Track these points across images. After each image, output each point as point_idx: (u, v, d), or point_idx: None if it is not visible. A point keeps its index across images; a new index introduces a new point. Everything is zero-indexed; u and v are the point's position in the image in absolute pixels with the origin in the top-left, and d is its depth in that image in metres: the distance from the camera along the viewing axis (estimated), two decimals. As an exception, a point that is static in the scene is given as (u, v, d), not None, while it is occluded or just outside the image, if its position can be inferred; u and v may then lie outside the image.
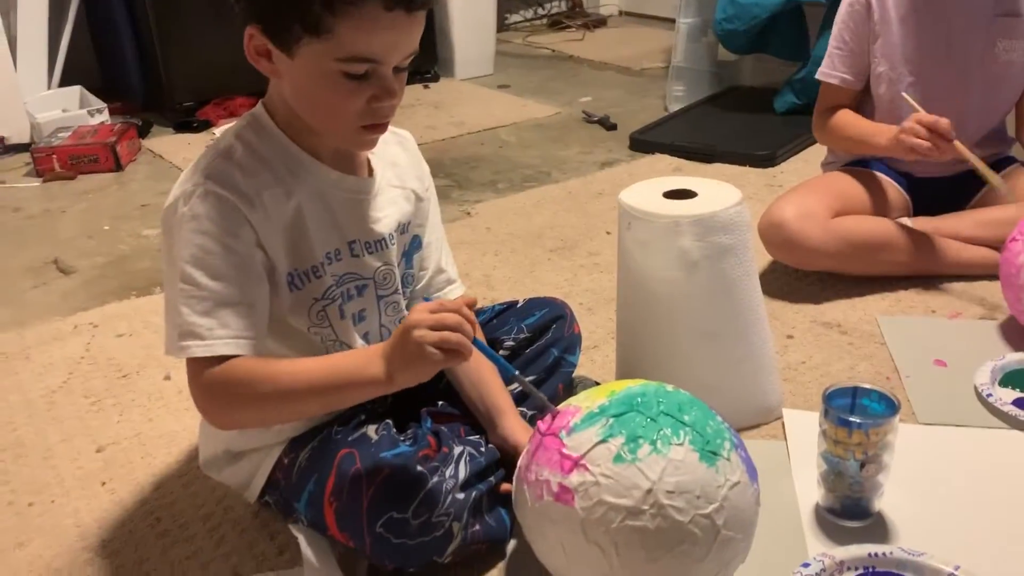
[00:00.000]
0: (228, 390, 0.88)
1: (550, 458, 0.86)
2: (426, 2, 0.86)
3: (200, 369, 0.88)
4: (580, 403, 0.90)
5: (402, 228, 1.05)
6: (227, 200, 0.88)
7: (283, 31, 0.85)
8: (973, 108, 1.62)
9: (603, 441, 0.84)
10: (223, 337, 0.88)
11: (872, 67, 1.64)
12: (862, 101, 1.70)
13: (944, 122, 1.46)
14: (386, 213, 1.02)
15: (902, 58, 1.61)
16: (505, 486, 1.01)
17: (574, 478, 0.84)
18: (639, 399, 0.87)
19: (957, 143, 1.47)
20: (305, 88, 0.90)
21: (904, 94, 1.55)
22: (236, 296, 0.89)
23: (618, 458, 0.82)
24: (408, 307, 1.09)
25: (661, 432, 0.83)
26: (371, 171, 1.02)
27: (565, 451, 0.85)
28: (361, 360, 0.89)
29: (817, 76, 1.69)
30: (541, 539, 0.89)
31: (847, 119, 1.66)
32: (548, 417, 0.91)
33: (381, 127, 0.93)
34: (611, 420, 0.85)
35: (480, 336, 1.12)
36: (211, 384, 0.88)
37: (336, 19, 0.82)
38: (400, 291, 1.05)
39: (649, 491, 0.81)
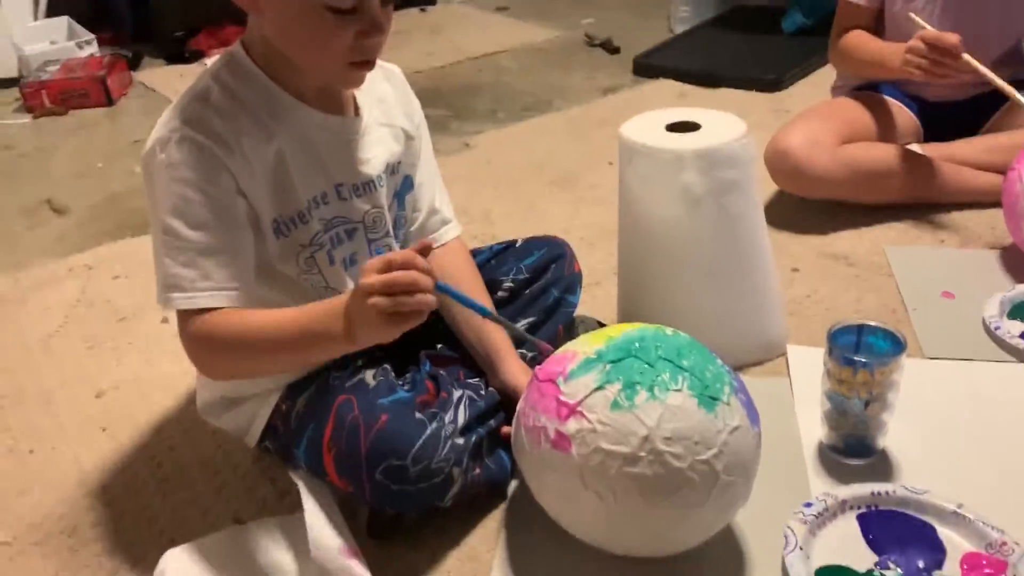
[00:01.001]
0: (210, 342, 0.88)
1: (547, 405, 0.85)
2: None
3: (186, 320, 0.88)
4: (577, 348, 0.88)
5: (392, 168, 1.01)
6: (204, 146, 0.85)
7: None
8: (992, 26, 1.55)
9: (600, 388, 0.82)
10: (205, 289, 0.86)
11: None
12: (879, 21, 1.63)
13: (950, 37, 1.38)
14: (374, 154, 0.99)
15: None
16: (505, 429, 1.00)
17: (571, 425, 0.83)
18: (636, 344, 0.85)
19: (968, 58, 1.39)
20: (289, 25, 0.86)
21: (911, 14, 1.48)
22: (218, 244, 0.86)
23: (615, 405, 0.81)
24: (404, 248, 1.07)
25: (659, 378, 0.82)
26: (357, 110, 0.98)
27: (562, 398, 0.84)
28: (326, 318, 0.85)
29: None
30: (540, 484, 0.88)
31: (859, 40, 1.59)
32: (546, 361, 0.89)
33: (369, 64, 0.89)
34: (608, 366, 0.83)
35: (474, 276, 1.09)
36: (195, 336, 0.87)
37: None
38: (392, 234, 1.03)
39: (646, 438, 0.80)
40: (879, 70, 1.57)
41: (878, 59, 1.55)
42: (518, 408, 0.92)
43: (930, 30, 1.42)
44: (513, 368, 1.04)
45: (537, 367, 0.91)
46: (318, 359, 0.97)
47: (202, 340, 0.88)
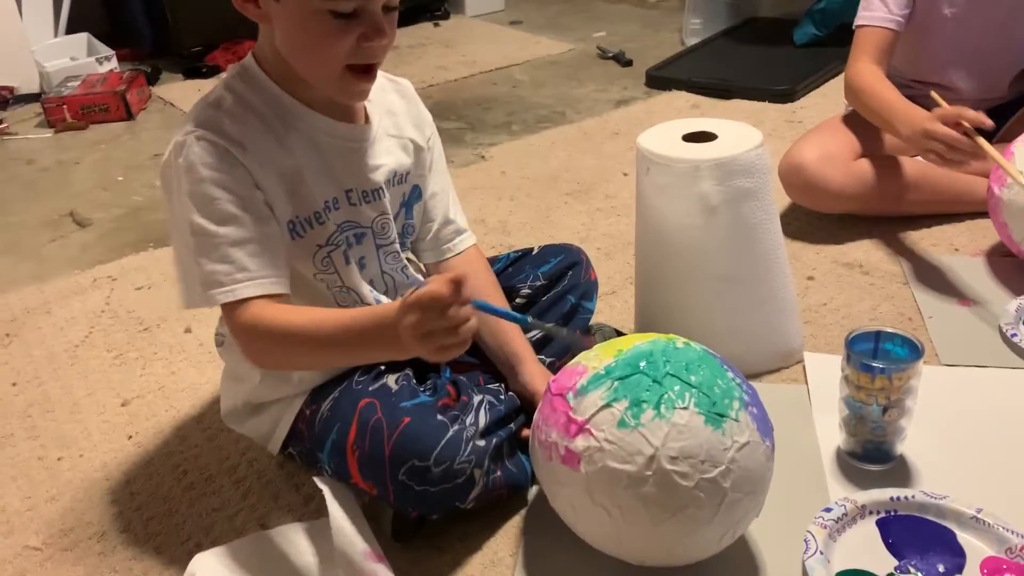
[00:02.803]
0: (256, 334, 0.90)
1: (558, 420, 0.87)
2: None
3: (231, 314, 0.90)
4: (588, 362, 0.89)
5: (399, 178, 1.03)
6: (218, 145, 0.88)
7: None
8: (1012, 44, 1.56)
9: (607, 405, 0.83)
10: (242, 281, 0.89)
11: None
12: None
13: (970, 114, 1.33)
14: (382, 162, 1.01)
15: None
16: (525, 432, 1.01)
17: (579, 442, 0.84)
18: (645, 360, 0.85)
19: (981, 140, 1.33)
20: (293, 31, 0.88)
21: (932, 93, 1.46)
22: (247, 236, 0.89)
23: (622, 423, 0.82)
24: (415, 254, 1.11)
25: (665, 396, 0.82)
26: (367, 119, 1.00)
27: (571, 415, 0.85)
28: (379, 330, 0.84)
29: (868, 22, 1.55)
30: (553, 496, 0.90)
31: (874, 87, 1.51)
32: (559, 372, 0.91)
33: (370, 72, 0.91)
34: (616, 383, 0.84)
35: (493, 283, 1.11)
36: (243, 327, 0.90)
37: None
38: (397, 241, 1.05)
39: (652, 457, 0.81)
40: (887, 128, 1.51)
41: (887, 118, 1.47)
42: (534, 419, 0.93)
43: (946, 107, 1.36)
44: (532, 371, 1.06)
45: (552, 378, 0.93)
46: (369, 361, 0.99)
47: (249, 332, 0.90)
